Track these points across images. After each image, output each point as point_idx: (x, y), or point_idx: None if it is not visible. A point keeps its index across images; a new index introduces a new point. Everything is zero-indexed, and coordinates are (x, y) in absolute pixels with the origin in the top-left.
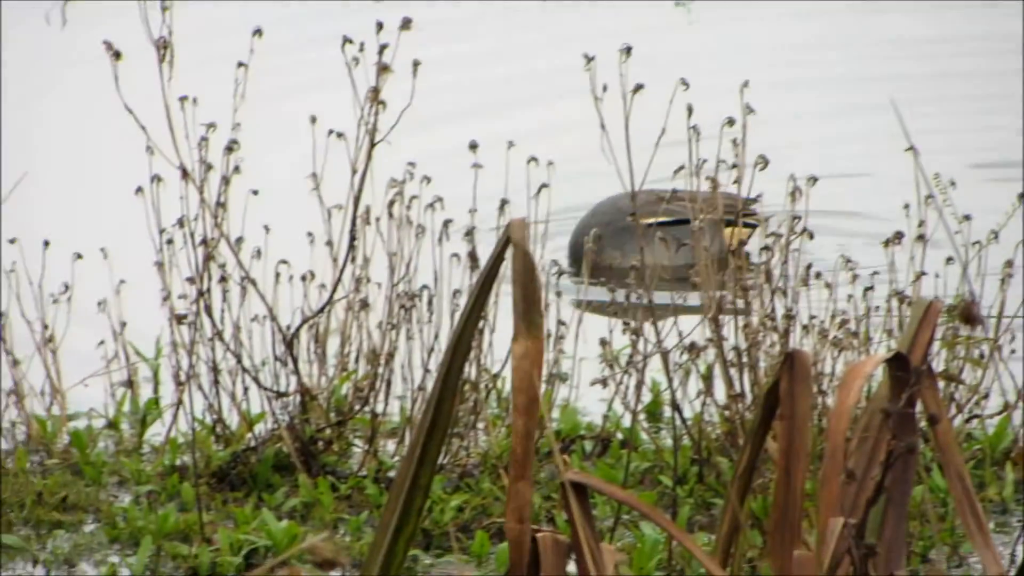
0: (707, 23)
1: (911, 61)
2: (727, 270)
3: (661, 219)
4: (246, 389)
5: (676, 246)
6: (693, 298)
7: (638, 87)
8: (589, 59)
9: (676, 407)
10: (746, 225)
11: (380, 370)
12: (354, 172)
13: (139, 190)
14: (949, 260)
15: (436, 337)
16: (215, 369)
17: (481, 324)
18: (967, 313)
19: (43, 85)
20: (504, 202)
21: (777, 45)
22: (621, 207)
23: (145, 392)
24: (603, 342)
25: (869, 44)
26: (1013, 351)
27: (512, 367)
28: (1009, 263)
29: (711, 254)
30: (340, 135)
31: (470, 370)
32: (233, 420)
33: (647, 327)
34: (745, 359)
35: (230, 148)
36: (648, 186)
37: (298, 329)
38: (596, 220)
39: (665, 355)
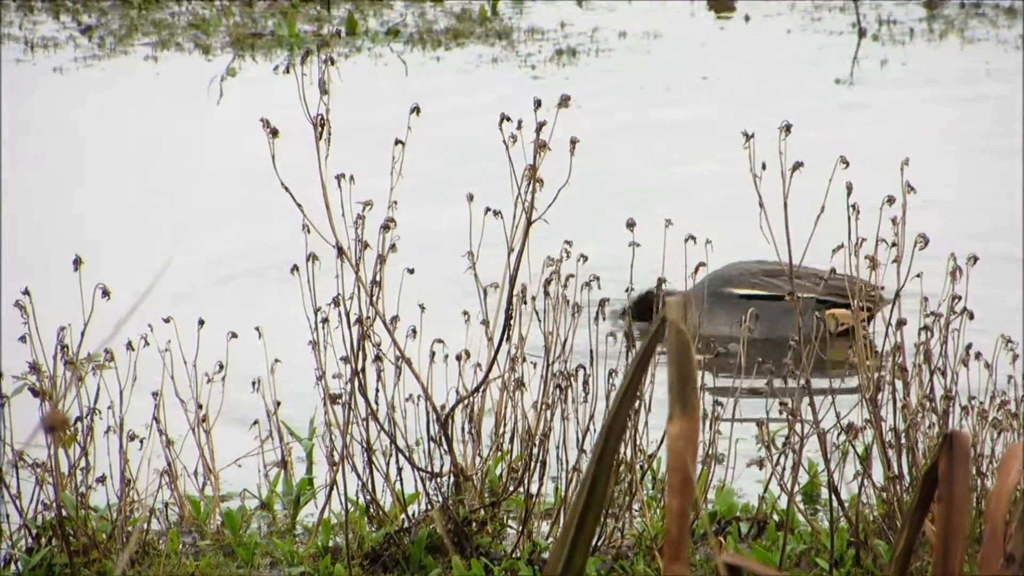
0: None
1: None
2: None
3: (753, 292)
4: (400, 469)
5: (755, 320)
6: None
7: (797, 164)
8: (748, 136)
9: (833, 489)
10: (847, 307)
11: (535, 450)
12: (511, 251)
13: (295, 268)
14: None
15: (591, 417)
16: (369, 449)
17: (636, 404)
18: None
19: (197, 158)
20: (661, 280)
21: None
22: (724, 275)
23: (299, 472)
24: (759, 423)
25: None
26: None
27: (667, 447)
28: None
29: (804, 332)
30: (497, 213)
31: (625, 451)
32: (387, 501)
33: (804, 408)
34: (903, 440)
35: (386, 226)
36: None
37: (453, 409)
38: (702, 286)
39: (822, 436)
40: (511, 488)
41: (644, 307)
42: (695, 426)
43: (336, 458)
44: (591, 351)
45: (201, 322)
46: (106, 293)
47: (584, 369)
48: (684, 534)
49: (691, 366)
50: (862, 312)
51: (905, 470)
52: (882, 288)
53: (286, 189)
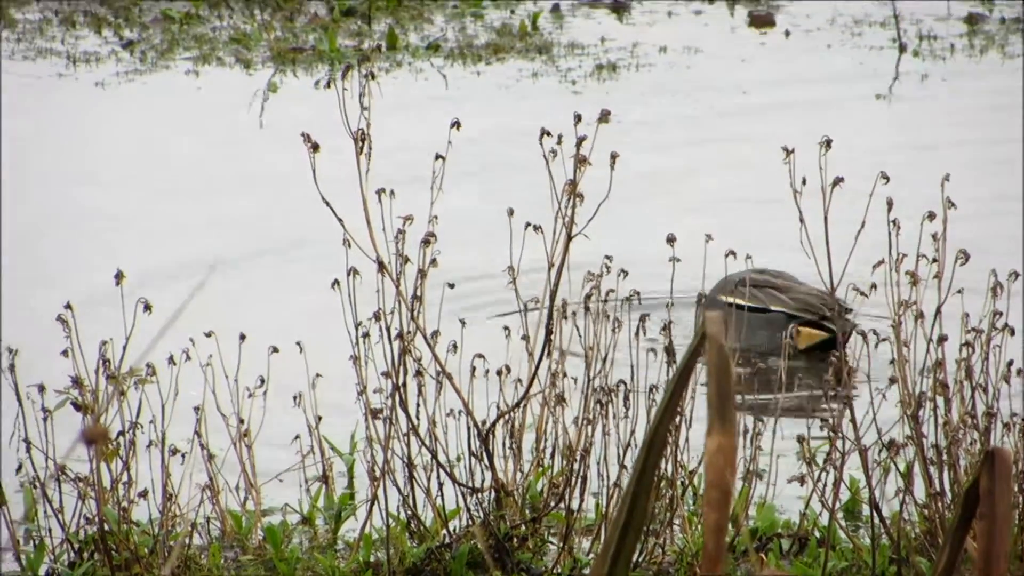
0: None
1: None
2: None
3: (739, 302)
4: (441, 485)
5: (738, 330)
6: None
7: (837, 180)
8: (788, 151)
9: (875, 505)
10: (823, 328)
11: (576, 466)
12: (551, 266)
13: (335, 283)
14: None
15: (632, 433)
16: (410, 464)
17: (677, 419)
18: None
19: (239, 171)
20: (701, 296)
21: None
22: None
23: (340, 487)
24: (800, 439)
25: None
26: None
27: (706, 462)
28: None
29: (773, 346)
30: (537, 228)
31: (666, 466)
32: (428, 516)
33: (845, 424)
34: (945, 457)
35: (427, 241)
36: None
37: (493, 424)
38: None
39: (863, 452)
40: (552, 503)
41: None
42: (733, 441)
43: (377, 473)
44: (631, 366)
45: (242, 336)
46: (148, 307)
47: (625, 384)
48: (721, 548)
49: (730, 382)
50: (817, 333)
51: (947, 487)
52: (849, 310)
53: (327, 203)
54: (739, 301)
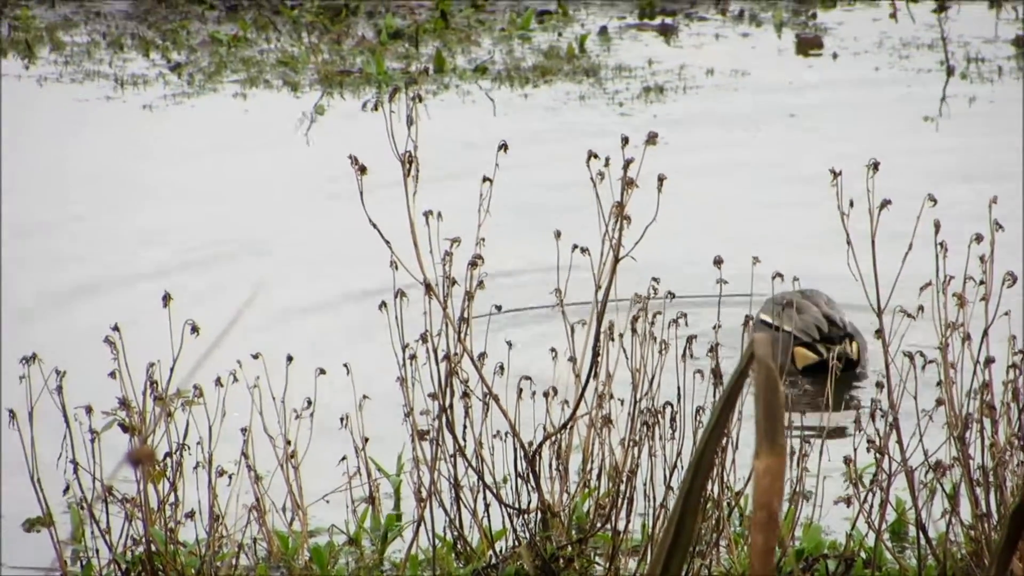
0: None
1: None
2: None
3: (765, 319)
4: (487, 506)
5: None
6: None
7: (885, 203)
8: (836, 174)
9: (921, 526)
10: (813, 351)
11: (622, 487)
12: (598, 288)
13: (383, 305)
14: None
15: (679, 454)
16: (456, 485)
17: (724, 441)
18: None
19: (285, 197)
20: (748, 318)
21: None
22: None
23: (386, 508)
24: (847, 460)
25: None
26: None
27: (753, 483)
28: None
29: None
30: (584, 250)
31: (713, 487)
32: (474, 537)
33: (892, 445)
34: (991, 478)
35: (474, 263)
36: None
37: (540, 445)
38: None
39: (910, 473)
40: (598, 525)
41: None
42: (782, 462)
43: (424, 494)
44: (678, 388)
45: (289, 358)
46: (195, 329)
47: (671, 406)
48: (769, 570)
49: (778, 403)
50: (812, 355)
51: (993, 508)
52: (848, 335)
53: (374, 226)
54: (765, 318)
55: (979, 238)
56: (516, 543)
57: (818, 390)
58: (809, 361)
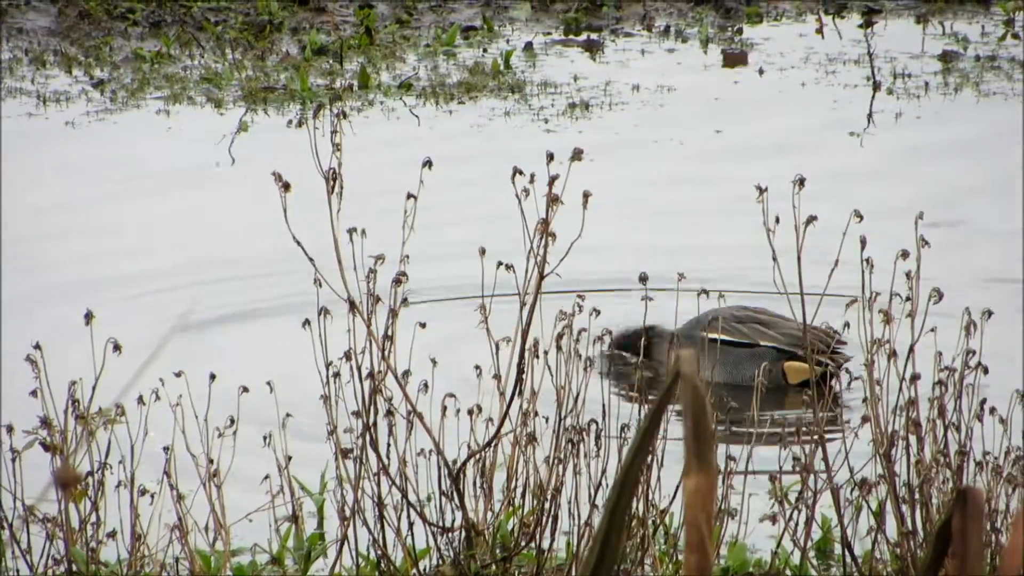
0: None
1: None
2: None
3: (724, 338)
4: (411, 524)
5: (713, 366)
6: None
7: (811, 219)
8: (762, 190)
9: (847, 544)
10: (818, 362)
11: (547, 505)
12: (522, 305)
13: (306, 323)
14: None
15: (604, 472)
16: (380, 504)
17: (649, 458)
18: None
19: (210, 219)
20: (674, 336)
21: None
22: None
23: (310, 527)
24: (772, 477)
25: None
26: None
27: (685, 503)
28: None
29: (762, 382)
30: (509, 267)
31: (638, 505)
32: (398, 556)
33: (817, 462)
34: (917, 495)
35: (398, 280)
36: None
37: (464, 463)
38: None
39: (836, 491)
40: (523, 543)
41: (634, 342)
42: (712, 482)
43: (347, 513)
44: (603, 405)
45: (212, 376)
46: (117, 347)
47: (596, 423)
48: None
49: (707, 421)
50: (819, 367)
51: (919, 525)
52: (842, 343)
53: (298, 243)
54: (725, 337)
55: (905, 254)
56: (440, 562)
57: (744, 406)
58: (804, 376)
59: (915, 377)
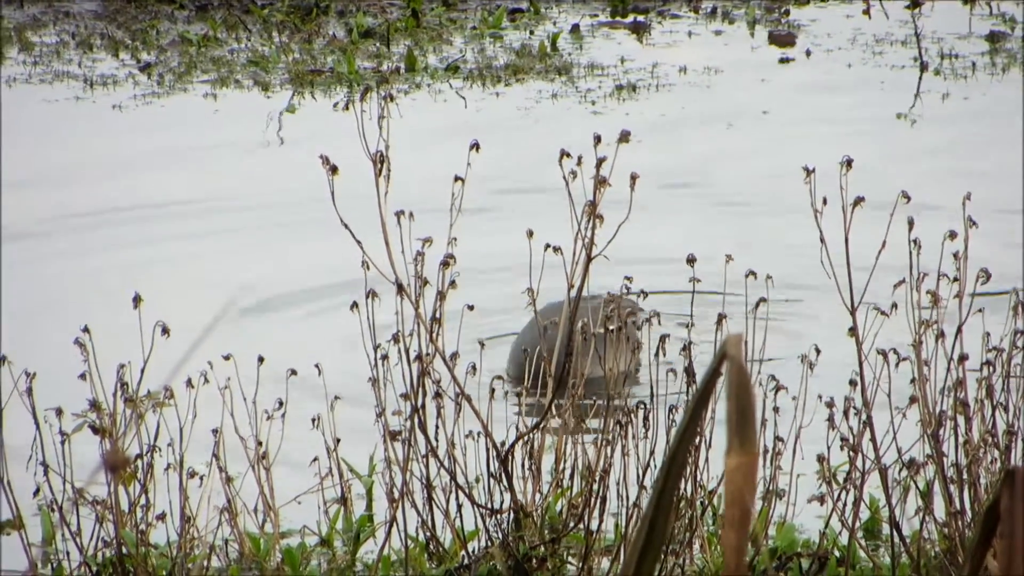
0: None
1: None
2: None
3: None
4: (460, 506)
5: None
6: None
7: (858, 200)
8: (809, 171)
9: (895, 524)
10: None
11: (595, 487)
12: (571, 287)
13: (354, 305)
14: None
15: (652, 453)
16: (429, 486)
17: (697, 439)
18: None
19: (257, 193)
20: (721, 316)
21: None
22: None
23: (358, 509)
24: (820, 458)
25: None
26: None
27: (725, 482)
28: None
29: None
30: (557, 250)
31: (686, 486)
32: (446, 537)
33: (866, 443)
34: (965, 476)
35: (446, 263)
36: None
37: (513, 445)
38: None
39: (883, 471)
40: (571, 524)
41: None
42: (753, 460)
43: (396, 495)
44: (651, 386)
45: (261, 359)
46: (166, 331)
47: (644, 405)
48: (741, 568)
49: (750, 401)
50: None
51: (967, 506)
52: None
53: (345, 226)
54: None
55: (952, 235)
56: (489, 543)
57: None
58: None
59: (963, 358)
